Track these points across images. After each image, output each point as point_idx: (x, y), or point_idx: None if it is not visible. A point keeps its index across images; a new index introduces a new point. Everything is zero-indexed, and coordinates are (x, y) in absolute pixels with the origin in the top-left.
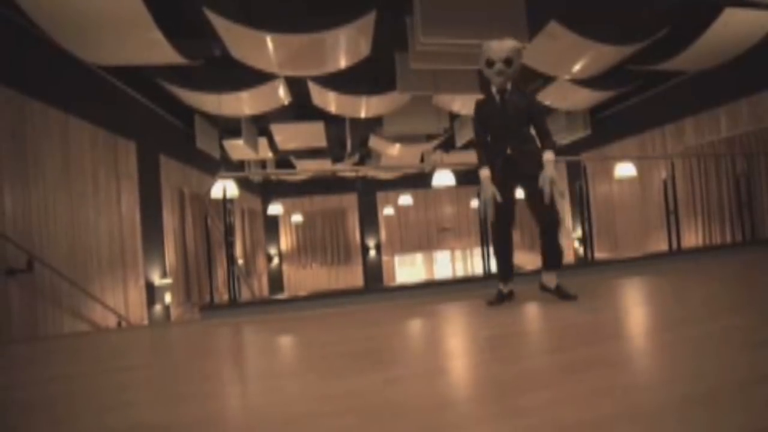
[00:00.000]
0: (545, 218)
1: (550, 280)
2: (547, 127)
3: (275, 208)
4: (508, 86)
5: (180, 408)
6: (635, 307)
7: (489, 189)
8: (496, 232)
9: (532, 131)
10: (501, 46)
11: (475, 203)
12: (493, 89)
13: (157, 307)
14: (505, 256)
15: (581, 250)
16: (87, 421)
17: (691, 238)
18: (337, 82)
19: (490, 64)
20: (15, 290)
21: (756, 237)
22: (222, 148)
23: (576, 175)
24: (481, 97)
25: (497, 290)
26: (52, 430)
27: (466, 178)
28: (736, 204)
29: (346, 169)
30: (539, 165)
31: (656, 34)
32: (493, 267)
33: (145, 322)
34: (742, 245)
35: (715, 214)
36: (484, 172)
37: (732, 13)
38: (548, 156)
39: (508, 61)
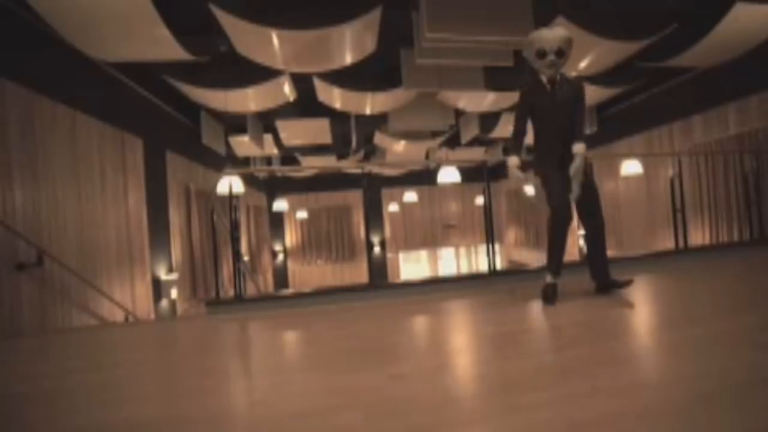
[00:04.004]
0: (591, 221)
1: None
2: (584, 117)
3: (280, 205)
4: (558, 77)
5: (182, 403)
6: (640, 306)
7: (516, 175)
8: (558, 225)
9: None
10: (554, 36)
11: (480, 200)
12: (543, 79)
13: (164, 302)
14: (562, 249)
15: (587, 248)
16: (85, 415)
17: (698, 236)
18: (342, 78)
19: (541, 54)
20: (25, 284)
21: (764, 235)
22: (227, 144)
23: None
24: (526, 85)
25: (548, 284)
26: (49, 425)
27: (472, 175)
28: (744, 202)
29: (351, 165)
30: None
31: (665, 30)
32: (498, 264)
33: (152, 316)
34: (750, 244)
35: (722, 212)
36: (512, 160)
37: (742, 8)
38: (578, 148)
39: (560, 53)
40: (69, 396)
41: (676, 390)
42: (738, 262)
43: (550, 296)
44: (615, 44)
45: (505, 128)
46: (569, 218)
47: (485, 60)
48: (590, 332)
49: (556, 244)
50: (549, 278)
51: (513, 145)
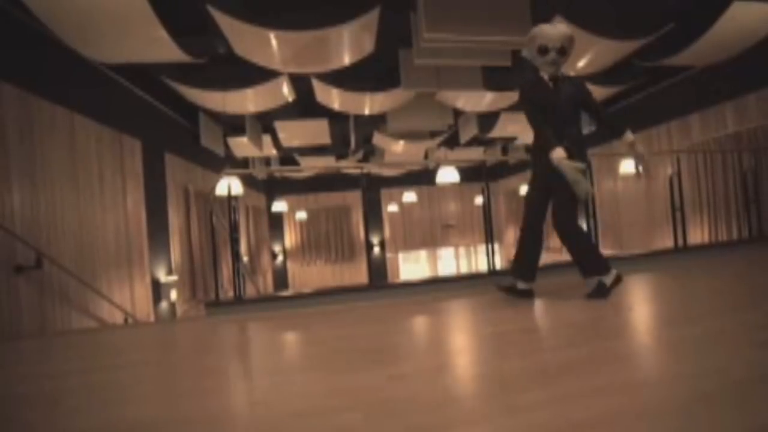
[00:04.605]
0: (561, 225)
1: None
2: (602, 109)
3: (279, 206)
4: (560, 74)
5: (182, 403)
6: (640, 305)
7: (571, 167)
8: (529, 227)
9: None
10: (557, 33)
11: (479, 200)
12: (545, 76)
13: (163, 304)
14: (535, 254)
15: None
16: (86, 416)
17: (697, 234)
18: (341, 78)
19: (543, 51)
20: (24, 287)
21: (763, 233)
22: (226, 145)
23: None
24: (527, 82)
25: (522, 290)
26: (50, 425)
27: (470, 174)
28: (743, 200)
29: (350, 166)
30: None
31: (663, 29)
32: (497, 264)
33: (152, 318)
34: (749, 242)
35: (721, 210)
36: (558, 153)
37: (740, 6)
38: (630, 136)
39: (562, 51)
40: (70, 396)
41: (676, 388)
42: (737, 260)
43: (528, 295)
44: (613, 43)
45: (503, 128)
46: (540, 223)
47: (483, 60)
48: (589, 331)
49: (530, 248)
50: (520, 284)
51: (548, 138)
